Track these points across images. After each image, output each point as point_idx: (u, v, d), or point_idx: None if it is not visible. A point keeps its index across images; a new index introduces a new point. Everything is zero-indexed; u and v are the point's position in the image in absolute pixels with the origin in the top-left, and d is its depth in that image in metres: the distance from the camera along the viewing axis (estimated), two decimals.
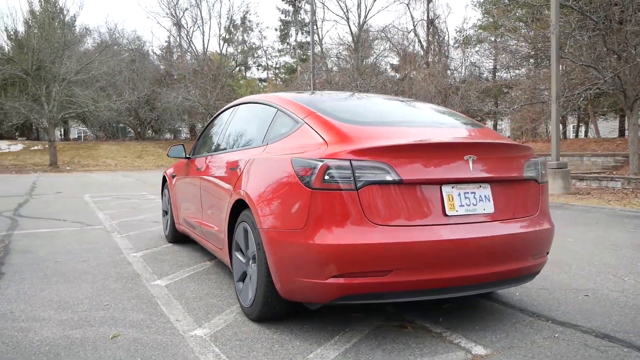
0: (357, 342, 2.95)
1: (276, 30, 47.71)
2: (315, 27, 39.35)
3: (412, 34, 33.21)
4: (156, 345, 2.91)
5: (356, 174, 2.72)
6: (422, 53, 33.69)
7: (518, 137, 29.44)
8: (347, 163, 2.72)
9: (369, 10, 22.12)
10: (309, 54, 32.78)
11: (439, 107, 4.17)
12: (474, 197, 2.92)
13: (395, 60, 35.81)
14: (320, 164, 2.74)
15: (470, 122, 3.66)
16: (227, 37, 42.93)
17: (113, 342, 2.97)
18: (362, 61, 22.95)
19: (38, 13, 36.82)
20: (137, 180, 18.25)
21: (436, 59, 33.26)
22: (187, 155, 5.29)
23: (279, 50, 48.15)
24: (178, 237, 5.79)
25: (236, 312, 3.49)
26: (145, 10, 70.47)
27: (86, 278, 4.37)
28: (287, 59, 48.06)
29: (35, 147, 32.67)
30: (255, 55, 46.85)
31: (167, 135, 45.05)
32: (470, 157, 2.89)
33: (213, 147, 4.72)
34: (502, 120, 35.65)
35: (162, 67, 33.53)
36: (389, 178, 2.74)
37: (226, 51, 35.57)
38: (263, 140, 3.59)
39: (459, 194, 2.89)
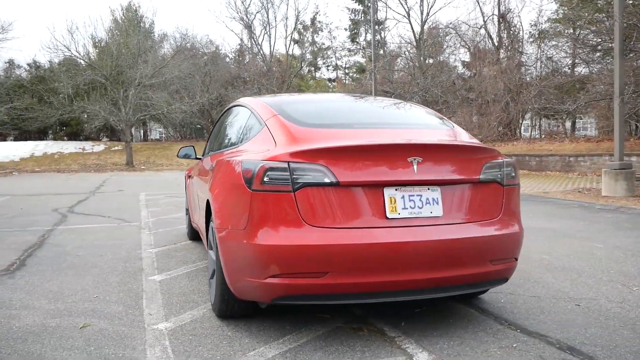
0: (305, 342, 2.97)
1: (346, 30, 47.80)
2: (378, 26, 39.10)
3: (482, 30, 32.17)
4: (115, 336, 3.08)
5: (294, 176, 2.75)
6: (493, 49, 32.55)
7: (606, 134, 27.74)
8: (284, 165, 2.76)
9: (431, 7, 21.67)
10: (380, 53, 32.69)
11: (418, 108, 4.07)
12: (420, 200, 2.86)
13: (466, 57, 34.88)
14: (260, 165, 2.80)
15: (438, 123, 3.56)
16: (297, 38, 43.63)
17: (80, 331, 3.17)
18: (424, 59, 22.56)
19: (120, 21, 39.16)
20: None
21: (508, 54, 32.05)
22: (197, 157, 5.49)
23: (349, 50, 48.19)
24: (195, 235, 6.02)
25: (208, 308, 3.60)
26: (214, 15, 72.63)
27: (93, 271, 4.66)
28: (358, 58, 48.02)
29: (116, 148, 34.64)
30: (325, 56, 47.21)
31: None
32: (414, 159, 2.83)
33: (209, 149, 4.89)
34: (582, 118, 33.76)
35: (233, 69, 34.55)
36: (326, 180, 2.75)
37: (292, 52, 36.10)
38: (238, 142, 3.69)
39: (403, 197, 2.84)
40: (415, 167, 2.83)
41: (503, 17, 33.01)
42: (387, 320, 3.32)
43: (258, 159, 2.86)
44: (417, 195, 2.86)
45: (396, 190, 2.83)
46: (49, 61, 33.95)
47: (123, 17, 40.09)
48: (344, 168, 2.77)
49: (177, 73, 28.80)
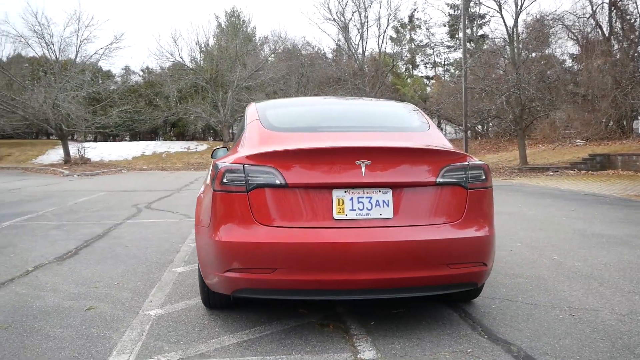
0: (267, 334, 3.15)
1: (444, 25, 46.70)
2: (479, 20, 37.73)
3: (591, 20, 29.98)
4: (108, 319, 3.45)
5: (248, 178, 2.94)
6: (603, 40, 30.23)
7: None
8: (240, 167, 2.96)
9: None
10: (482, 48, 31.57)
11: (401, 109, 4.07)
12: (369, 202, 2.93)
13: (573, 49, 32.70)
14: (221, 167, 3.03)
15: (413, 126, 3.57)
16: (394, 36, 43.38)
17: (83, 313, 3.59)
18: (519, 54, 21.51)
19: (224, 26, 41.29)
20: None
21: (622, 45, 29.60)
22: None
23: (448, 47, 47.05)
24: None
25: None
26: (307, 17, 73.67)
27: (129, 262, 5.14)
28: (457, 54, 46.70)
29: (218, 147, 36.62)
30: (424, 53, 46.46)
31: None
32: (363, 162, 2.91)
33: None
34: None
35: (328, 69, 35.07)
36: (276, 182, 2.91)
37: (385, 50, 35.94)
38: (234, 144, 3.95)
39: (351, 199, 2.92)
40: (363, 169, 2.90)
41: (615, 5, 30.58)
42: (360, 319, 3.40)
43: (223, 162, 3.09)
44: (367, 197, 2.93)
45: (345, 192, 2.92)
46: (160, 67, 36.63)
47: (226, 22, 42.25)
48: (293, 170, 2.92)
49: (272, 75, 29.84)
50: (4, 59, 34.56)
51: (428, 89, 46.07)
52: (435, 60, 47.71)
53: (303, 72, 36.43)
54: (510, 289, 4.08)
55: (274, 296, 3.03)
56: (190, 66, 31.86)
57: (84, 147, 27.74)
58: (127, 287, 4.21)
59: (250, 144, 3.23)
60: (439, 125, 45.42)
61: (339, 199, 2.92)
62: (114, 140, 39.27)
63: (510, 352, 2.88)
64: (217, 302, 3.51)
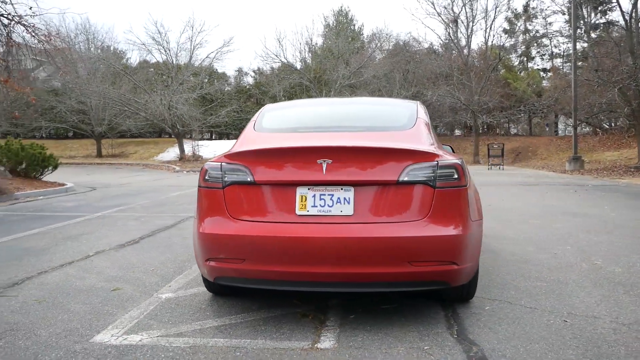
0: (249, 320, 3.40)
1: (563, 13, 43.69)
2: (605, 5, 34.84)
3: None
4: (124, 299, 3.90)
5: (224, 175, 3.21)
6: None
7: None
8: (218, 165, 3.24)
9: None
10: (602, 37, 29.29)
11: (395, 108, 4.09)
12: (331, 199, 3.06)
13: None
14: (205, 165, 3.33)
15: (396, 125, 3.59)
16: (507, 28, 41.43)
17: (108, 292, 4.07)
18: (638, 41, 19.59)
19: (332, 25, 42.08)
20: None
21: None
22: None
23: (568, 36, 43.93)
24: None
25: None
26: (410, 13, 71.86)
27: (177, 251, 5.64)
28: (579, 44, 43.43)
29: None
30: (540, 44, 43.83)
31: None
32: (323, 161, 3.04)
33: None
34: None
35: (433, 65, 34.44)
36: (247, 179, 3.15)
37: (492, 44, 34.41)
38: None
39: (314, 196, 3.07)
40: (324, 168, 3.04)
41: None
42: (343, 312, 3.53)
43: (209, 161, 3.39)
44: (329, 195, 3.07)
45: (309, 189, 3.08)
46: (271, 67, 38.23)
47: (334, 22, 42.99)
48: (261, 168, 3.14)
49: (373, 72, 29.96)
50: (133, 65, 38.21)
51: (544, 82, 43.37)
52: (553, 52, 44.82)
53: (408, 69, 36.11)
54: (521, 292, 3.96)
55: (245, 285, 3.28)
56: (299, 66, 33.00)
57: (197, 145, 29.79)
58: (158, 273, 4.66)
59: (237, 144, 3.50)
60: (555, 120, 42.65)
61: (302, 196, 3.08)
62: (228, 138, 41.66)
63: (468, 352, 2.88)
64: (215, 288, 3.82)
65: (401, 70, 35.16)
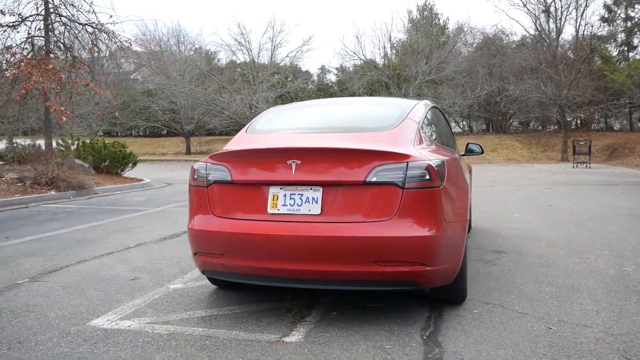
0: (235, 312, 3.58)
1: None
2: None
3: None
4: (136, 288, 4.22)
5: (208, 175, 3.42)
6: None
7: None
8: (204, 165, 3.45)
9: None
10: None
11: (385, 108, 4.07)
12: (300, 199, 3.15)
13: None
14: (193, 165, 3.55)
15: (380, 126, 3.60)
16: (606, 16, 38.72)
17: (126, 281, 4.42)
18: None
19: (416, 20, 41.43)
20: None
21: None
22: None
23: None
24: None
25: None
26: (492, 5, 68.12)
27: None
28: None
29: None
30: None
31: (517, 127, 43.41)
32: (293, 161, 3.15)
33: None
34: None
35: (519, 59, 32.93)
36: (226, 178, 3.33)
37: (584, 34, 32.26)
38: None
39: (285, 195, 3.19)
40: (293, 169, 3.15)
41: None
42: (328, 309, 3.61)
43: (199, 161, 3.61)
44: (298, 194, 3.17)
45: (280, 188, 3.20)
46: (354, 64, 38.35)
47: (418, 16, 42.27)
48: (238, 168, 3.30)
49: (455, 68, 29.21)
50: (221, 66, 39.89)
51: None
52: None
53: (494, 63, 34.82)
54: (522, 297, 3.84)
55: (228, 278, 3.46)
56: (380, 62, 32.92)
57: None
58: (180, 265, 4.97)
59: (227, 145, 3.69)
60: None
61: (274, 195, 3.21)
62: None
63: (427, 353, 2.87)
64: (216, 281, 4.04)
65: (485, 65, 33.99)
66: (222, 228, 3.29)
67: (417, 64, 30.03)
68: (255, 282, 3.38)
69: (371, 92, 34.19)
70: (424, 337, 3.11)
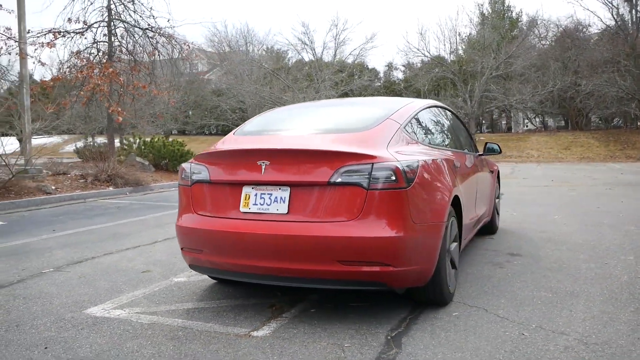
0: (220, 306, 3.74)
1: None
2: None
3: None
4: (143, 280, 4.48)
5: (192, 174, 3.60)
6: None
7: None
8: (189, 165, 3.64)
9: None
10: None
11: (364, 109, 4.08)
12: (270, 198, 3.26)
13: None
14: (181, 165, 3.75)
15: (354, 127, 3.61)
16: None
17: (138, 273, 4.70)
18: None
19: (487, 14, 40.15)
20: (517, 172, 18.55)
21: None
22: None
23: None
24: None
25: None
26: None
27: None
28: None
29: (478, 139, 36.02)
30: None
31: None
32: (263, 162, 3.25)
33: None
34: None
35: (595, 52, 31.20)
36: (205, 178, 3.49)
37: None
38: None
39: (256, 194, 3.30)
40: (262, 169, 3.25)
41: None
42: (309, 306, 3.70)
43: (186, 162, 3.81)
44: (268, 194, 3.27)
45: (252, 188, 3.33)
46: (421, 60, 37.79)
47: (489, 10, 40.93)
48: (216, 169, 3.46)
49: (524, 62, 28.13)
50: (289, 65, 40.56)
51: None
52: None
53: (569, 56, 33.20)
54: (513, 301, 3.76)
55: (210, 273, 3.65)
56: (448, 58, 32.28)
57: None
58: None
59: (215, 145, 3.85)
60: None
61: (246, 194, 3.34)
62: None
63: (383, 353, 2.90)
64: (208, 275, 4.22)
65: (559, 58, 32.47)
66: (201, 225, 3.46)
67: (484, 59, 29.15)
68: (229, 277, 3.53)
69: (436, 88, 33.59)
70: (389, 338, 3.13)
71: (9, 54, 11.03)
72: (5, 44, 11.74)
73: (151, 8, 14.49)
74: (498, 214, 6.64)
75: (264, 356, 2.88)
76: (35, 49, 12.13)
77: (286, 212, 3.23)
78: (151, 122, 30.60)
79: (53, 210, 9.29)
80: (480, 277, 4.43)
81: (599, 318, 3.39)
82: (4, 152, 10.88)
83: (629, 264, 4.75)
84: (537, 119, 40.62)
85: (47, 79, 13.55)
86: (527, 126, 44.27)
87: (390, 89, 37.40)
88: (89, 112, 16.06)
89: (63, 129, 36.17)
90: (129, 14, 13.81)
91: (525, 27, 39.31)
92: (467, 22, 38.30)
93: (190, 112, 40.50)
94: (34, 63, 12.34)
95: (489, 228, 6.17)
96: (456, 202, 3.88)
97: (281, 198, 3.25)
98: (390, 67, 42.14)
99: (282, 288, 4.05)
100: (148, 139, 15.15)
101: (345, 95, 32.64)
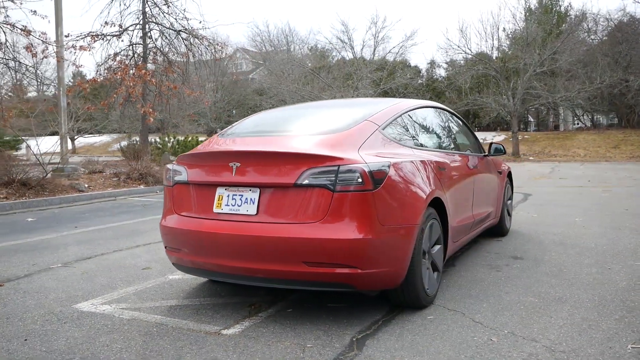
0: (202, 304, 3.84)
1: None
2: None
3: None
4: (141, 277, 4.63)
5: (174, 175, 3.71)
6: None
7: None
8: (171, 167, 3.75)
9: None
10: None
11: (341, 112, 4.06)
12: (240, 199, 3.32)
13: None
14: (167, 166, 3.87)
15: (327, 129, 3.61)
16: None
17: (138, 270, 4.87)
18: None
19: (535, 9, 38.99)
20: (557, 172, 18.00)
21: None
22: None
23: None
24: None
25: None
26: None
27: None
28: None
29: (522, 137, 35.02)
30: None
31: None
32: (234, 164, 3.32)
33: None
34: None
35: None
36: (184, 179, 3.59)
37: None
38: None
39: (228, 195, 3.37)
40: (233, 171, 3.32)
41: None
42: (286, 306, 3.74)
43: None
44: (239, 195, 3.34)
45: (225, 189, 3.40)
46: (464, 58, 37.07)
47: (536, 4, 39.71)
48: (193, 170, 3.55)
49: (567, 58, 27.17)
50: (331, 64, 40.61)
51: None
52: None
53: (620, 51, 31.90)
54: (494, 306, 3.69)
55: (189, 272, 3.72)
56: (493, 55, 31.54)
57: None
58: None
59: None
60: None
61: (219, 195, 3.41)
62: None
63: (342, 354, 2.91)
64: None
65: (609, 53, 31.21)
66: (180, 225, 3.57)
67: (527, 55, 28.30)
68: (207, 277, 3.63)
69: (478, 86, 32.91)
70: (354, 339, 3.14)
71: (45, 57, 11.55)
72: (47, 47, 12.28)
73: (184, 10, 14.74)
74: (510, 215, 6.49)
75: (224, 354, 2.94)
76: (74, 53, 12.69)
77: (255, 213, 3.28)
78: (193, 122, 31.37)
79: (82, 208, 9.69)
80: (472, 280, 4.36)
81: (577, 325, 3.29)
82: (38, 152, 11.42)
83: (633, 270, 4.57)
84: (585, 117, 39.21)
85: (83, 82, 14.08)
86: (577, 124, 42.77)
87: (432, 87, 36.88)
88: (124, 112, 16.61)
89: (113, 128, 37.62)
90: (164, 17, 14.21)
91: (573, 21, 37.97)
92: (510, 18, 37.06)
93: (234, 112, 41.20)
94: (73, 65, 12.85)
95: (497, 230, 6.05)
96: (439, 204, 3.83)
97: (251, 199, 3.31)
98: (432, 64, 41.55)
99: (266, 287, 4.11)
100: (182, 138, 15.52)
101: (385, 93, 32.41)
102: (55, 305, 3.85)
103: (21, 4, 10.27)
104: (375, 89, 29.67)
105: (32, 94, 35.56)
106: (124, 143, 24.91)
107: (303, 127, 3.91)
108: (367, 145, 3.46)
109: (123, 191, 11.45)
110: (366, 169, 3.15)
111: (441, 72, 41.26)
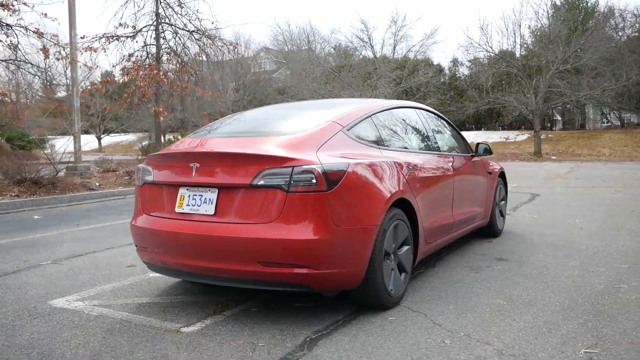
0: (174, 302, 3.90)
1: None
2: None
3: None
4: (123, 274, 4.73)
5: (143, 176, 3.78)
6: None
7: None
8: (141, 166, 3.83)
9: None
10: None
11: (314, 114, 4.05)
12: (200, 199, 3.37)
13: None
14: (138, 166, 3.95)
15: (289, 130, 3.62)
16: None
17: (122, 268, 4.97)
18: None
19: (560, 5, 38.23)
20: (575, 172, 17.63)
21: None
22: None
23: None
24: None
25: None
26: None
27: None
28: None
29: (544, 137, 34.45)
30: None
31: None
32: (194, 164, 3.37)
33: None
34: None
35: None
36: (151, 179, 3.66)
37: None
38: None
39: (189, 196, 3.43)
40: (193, 171, 3.37)
41: None
42: (253, 306, 3.78)
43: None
44: (199, 195, 3.39)
45: (187, 189, 3.45)
46: (488, 56, 36.56)
47: (562, 1, 38.93)
48: (159, 170, 3.62)
49: (591, 56, 26.56)
50: (352, 63, 40.55)
51: None
52: None
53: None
54: (461, 308, 3.67)
55: (157, 271, 3.79)
56: (517, 52, 31.11)
57: None
58: None
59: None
60: None
61: (181, 195, 3.47)
62: None
63: (291, 354, 2.94)
64: None
65: (636, 50, 30.40)
66: (146, 224, 3.64)
67: (550, 52, 27.77)
68: (172, 275, 3.69)
69: (500, 84, 32.43)
70: (307, 339, 3.16)
71: (58, 59, 11.83)
72: (64, 48, 12.58)
73: (197, 10, 14.91)
74: (503, 216, 6.41)
75: (176, 352, 3.00)
76: (90, 54, 12.98)
77: (213, 213, 3.33)
78: (213, 120, 31.70)
79: (90, 206, 9.91)
80: (448, 281, 4.33)
81: (537, 329, 3.25)
82: (64, 150, 11.72)
83: (617, 273, 4.47)
84: (613, 115, 38.31)
85: (98, 83, 14.39)
86: (605, 123, 41.76)
87: (453, 85, 36.47)
88: (138, 112, 16.91)
89: (137, 128, 38.29)
90: (177, 18, 14.41)
91: (600, 18, 37.09)
92: (532, 15, 36.40)
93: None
94: (86, 66, 13.19)
95: (488, 231, 5.98)
96: (406, 205, 3.82)
97: (209, 199, 3.35)
98: (455, 62, 41.09)
99: (237, 287, 4.15)
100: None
101: (404, 92, 32.21)
102: (31, 302, 3.96)
103: (33, 6, 10.53)
104: (394, 88, 29.49)
105: (60, 94, 36.38)
106: (145, 142, 25.35)
107: (271, 128, 3.91)
108: (328, 146, 3.47)
109: (132, 190, 11.65)
110: (320, 170, 3.16)
111: (464, 71, 40.80)
